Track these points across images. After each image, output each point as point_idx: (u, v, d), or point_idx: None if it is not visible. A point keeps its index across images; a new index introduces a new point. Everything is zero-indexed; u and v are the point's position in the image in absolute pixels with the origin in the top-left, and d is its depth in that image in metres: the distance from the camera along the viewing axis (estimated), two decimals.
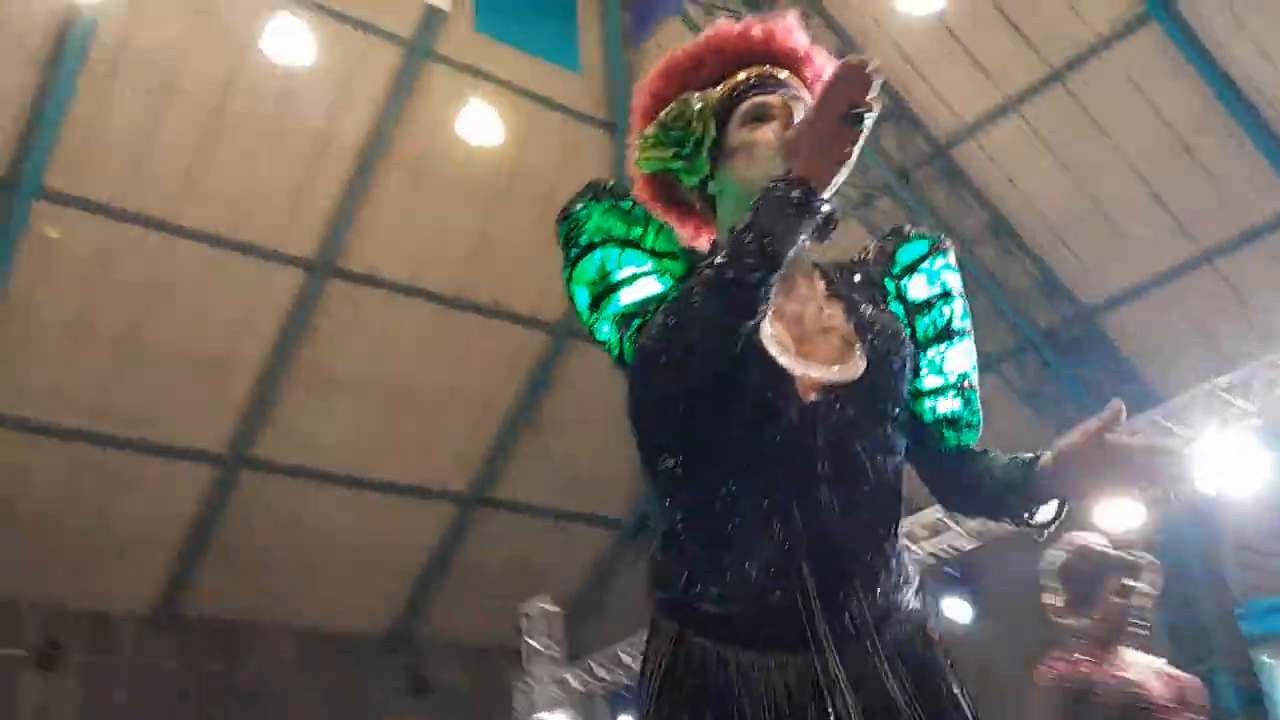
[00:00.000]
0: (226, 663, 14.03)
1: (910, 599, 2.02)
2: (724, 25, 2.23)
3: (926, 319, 2.17)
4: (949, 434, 2.14)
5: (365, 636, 14.71)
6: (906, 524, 11.01)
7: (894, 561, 2.00)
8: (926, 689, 1.93)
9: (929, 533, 10.85)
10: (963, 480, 2.14)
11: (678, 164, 2.13)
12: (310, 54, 10.34)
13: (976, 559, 11.23)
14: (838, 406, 1.96)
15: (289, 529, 13.61)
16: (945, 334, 2.16)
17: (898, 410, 2.06)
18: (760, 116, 2.09)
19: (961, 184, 11.66)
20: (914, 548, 10.82)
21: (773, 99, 2.11)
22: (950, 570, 11.39)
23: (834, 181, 1.85)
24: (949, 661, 2.01)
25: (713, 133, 2.11)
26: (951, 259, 2.20)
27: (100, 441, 12.47)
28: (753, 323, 1.89)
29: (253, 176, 11.69)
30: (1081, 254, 11.61)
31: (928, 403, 2.14)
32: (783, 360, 1.97)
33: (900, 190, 11.76)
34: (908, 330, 2.13)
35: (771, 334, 1.98)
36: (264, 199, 11.90)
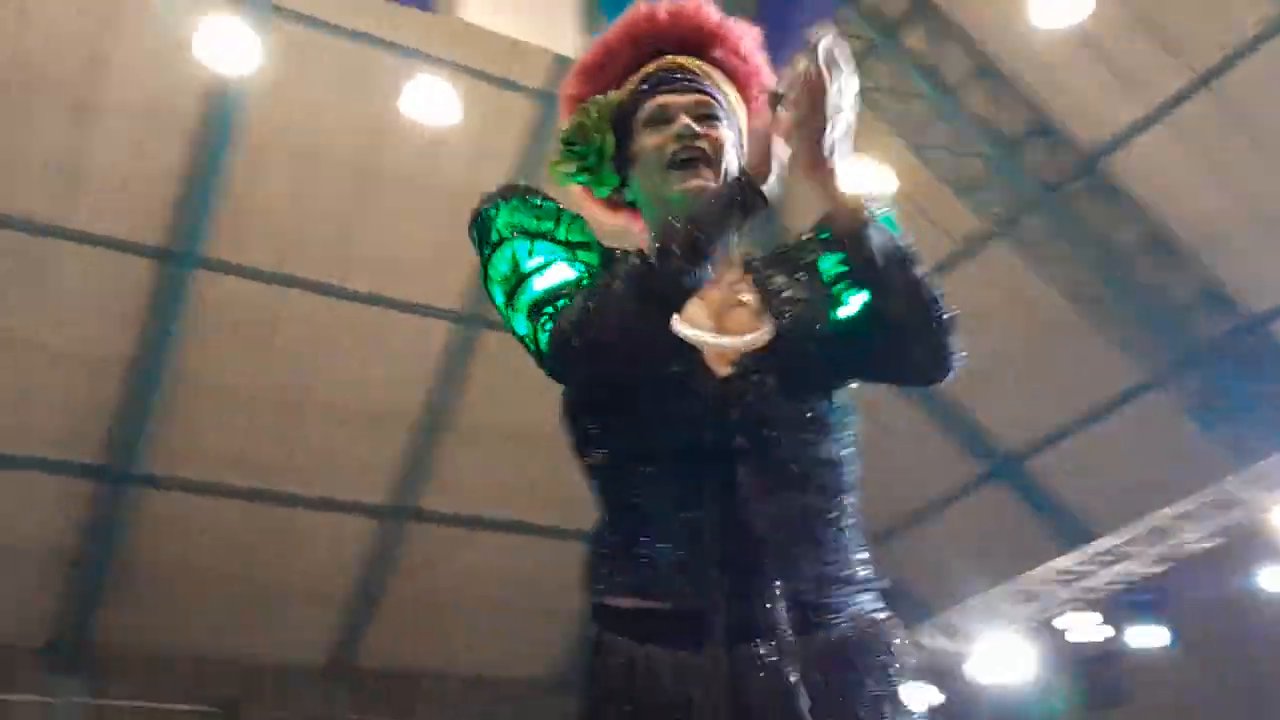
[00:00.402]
0: (400, 711, 14.27)
1: (855, 597, 1.89)
2: (635, 10, 2.16)
3: (831, 256, 2.06)
4: (882, 339, 1.96)
5: (536, 680, 14.80)
6: (1079, 556, 10.76)
7: (831, 554, 1.88)
8: (844, 698, 1.81)
9: (1112, 558, 10.54)
10: (889, 328, 1.95)
11: (583, 178, 2.12)
12: (450, 112, 10.55)
13: (1168, 583, 10.85)
14: (754, 378, 1.89)
15: (454, 577, 13.80)
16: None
17: (824, 380, 1.96)
18: (662, 119, 2.04)
19: (1114, 196, 11.29)
20: (1095, 576, 10.51)
21: (672, 99, 2.05)
22: (1141, 596, 11.00)
23: (772, 174, 1.86)
24: (889, 675, 1.87)
25: (610, 145, 2.09)
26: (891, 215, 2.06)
27: (270, 499, 12.87)
28: (676, 309, 1.86)
29: (401, 234, 11.96)
30: (1246, 262, 11.12)
31: (840, 313, 2.01)
32: (686, 333, 1.90)
33: (1050, 206, 11.45)
34: (831, 280, 2.04)
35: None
36: (413, 255, 12.15)
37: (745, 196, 1.86)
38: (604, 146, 2.09)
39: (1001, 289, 11.96)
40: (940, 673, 12.12)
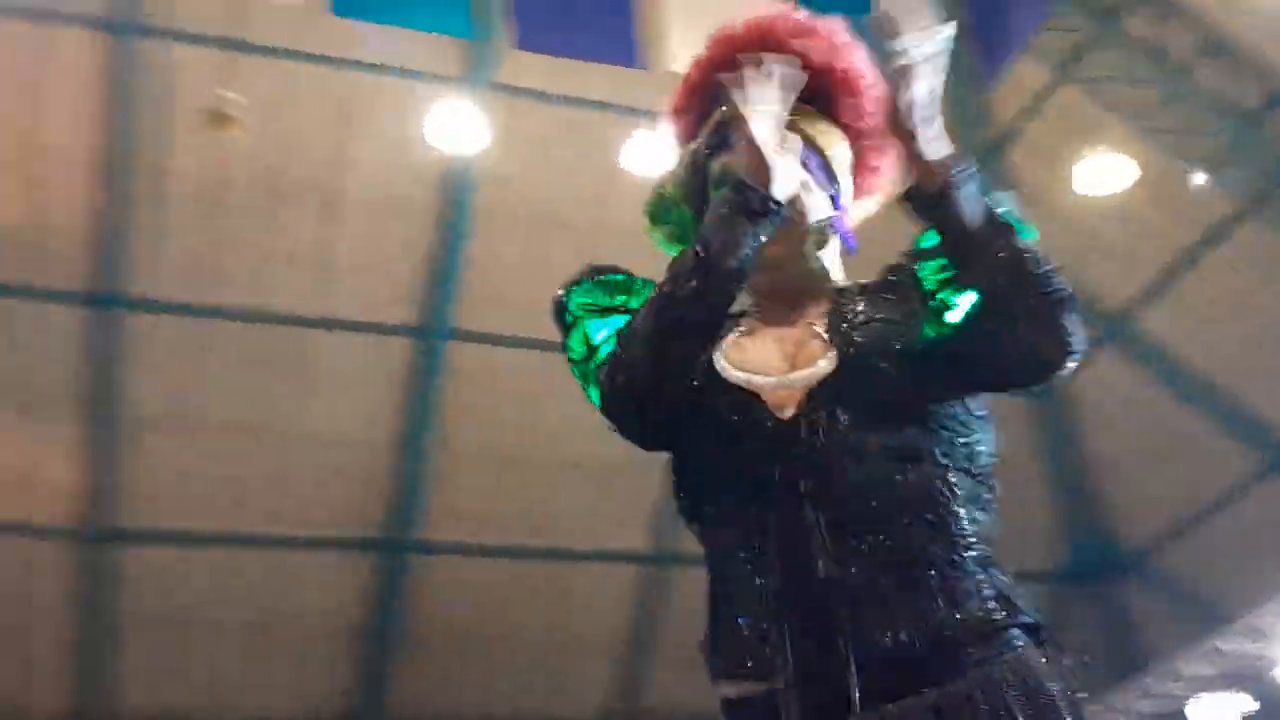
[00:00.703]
0: None
1: (983, 645, 1.66)
2: (714, 36, 2.08)
3: (932, 263, 1.92)
4: (987, 327, 1.76)
5: None
6: None
7: (939, 599, 1.66)
8: None
9: None
10: (994, 311, 1.76)
11: (674, 246, 2.10)
12: (667, 162, 10.70)
13: None
14: (819, 414, 1.75)
15: None
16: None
17: (907, 402, 1.77)
18: (723, 182, 1.95)
19: None
20: None
21: (731, 161, 1.95)
22: None
23: (775, 176, 1.77)
24: None
25: (689, 216, 2.08)
26: None
27: (538, 556, 13.19)
28: (698, 336, 1.81)
29: None
30: None
31: (947, 316, 1.84)
32: (735, 376, 1.83)
33: None
34: (933, 288, 1.89)
35: (726, 354, 1.87)
36: None
37: (742, 201, 1.78)
38: (683, 217, 2.11)
39: (1258, 270, 11.33)
40: (1248, 678, 11.54)
